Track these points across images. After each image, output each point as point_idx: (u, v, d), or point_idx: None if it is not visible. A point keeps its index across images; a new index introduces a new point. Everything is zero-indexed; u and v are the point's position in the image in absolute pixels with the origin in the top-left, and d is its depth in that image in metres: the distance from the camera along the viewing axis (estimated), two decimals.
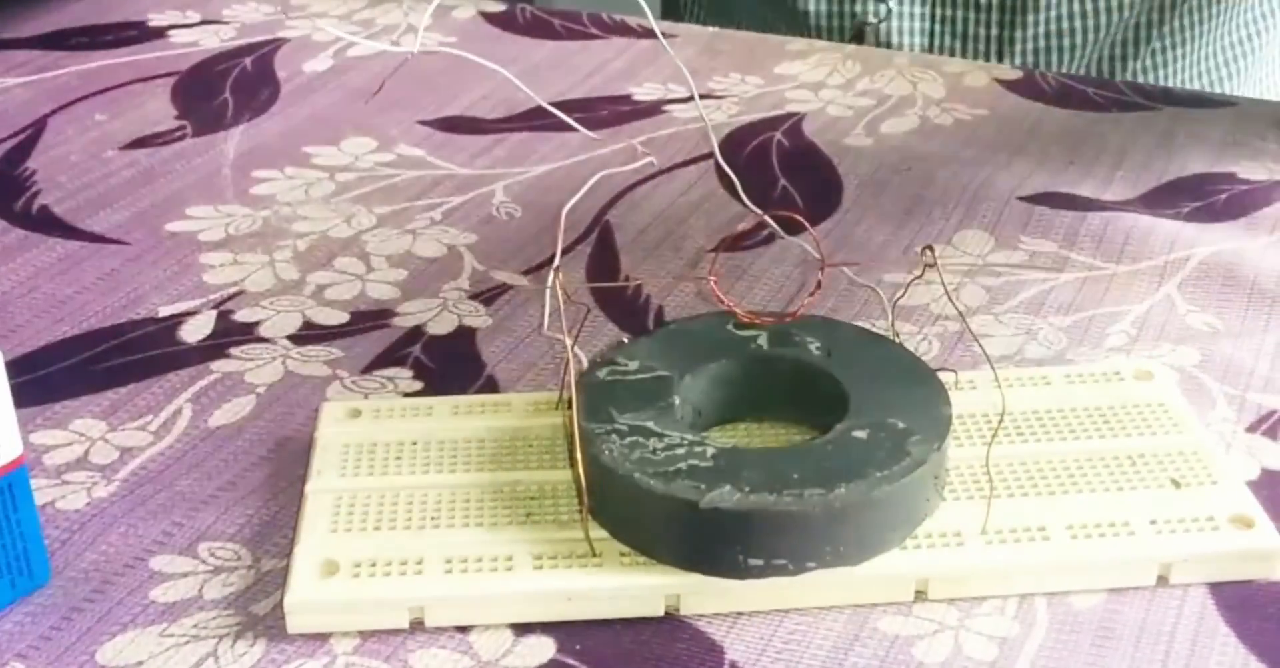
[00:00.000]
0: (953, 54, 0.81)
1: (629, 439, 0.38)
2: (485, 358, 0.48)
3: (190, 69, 0.70)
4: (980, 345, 0.46)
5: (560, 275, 0.41)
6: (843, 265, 0.52)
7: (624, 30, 0.74)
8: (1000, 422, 0.42)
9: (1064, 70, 0.80)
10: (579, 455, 0.38)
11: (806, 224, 0.43)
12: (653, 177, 0.60)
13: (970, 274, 0.52)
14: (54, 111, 0.65)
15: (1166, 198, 0.58)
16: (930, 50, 0.82)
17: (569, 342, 0.40)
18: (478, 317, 0.50)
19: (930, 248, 0.42)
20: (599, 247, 0.55)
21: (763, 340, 0.43)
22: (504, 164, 0.61)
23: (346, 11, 0.76)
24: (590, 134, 0.60)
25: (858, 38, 0.82)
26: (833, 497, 0.37)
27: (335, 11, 0.76)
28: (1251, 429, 0.45)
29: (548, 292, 0.48)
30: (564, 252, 0.54)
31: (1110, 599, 0.38)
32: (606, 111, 0.65)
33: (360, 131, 0.63)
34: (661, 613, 0.38)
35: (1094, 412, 0.43)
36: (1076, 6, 0.80)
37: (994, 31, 0.81)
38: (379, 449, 0.42)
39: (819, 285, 0.43)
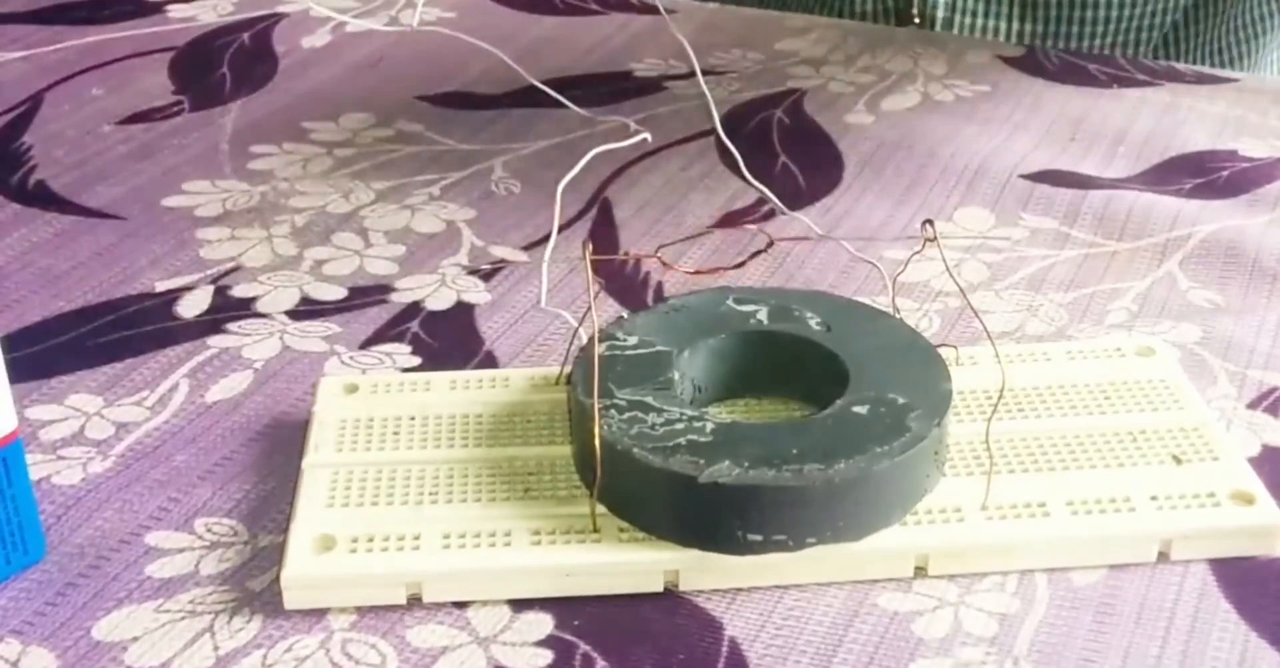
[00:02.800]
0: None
1: (628, 414, 0.38)
2: (483, 333, 0.48)
3: (188, 44, 0.69)
4: (981, 321, 0.46)
5: (590, 248, 0.41)
6: (796, 239, 0.52)
7: (624, 6, 0.74)
8: (1000, 397, 0.42)
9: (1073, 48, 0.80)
10: (595, 431, 0.37)
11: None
12: (653, 152, 0.59)
13: (971, 250, 0.52)
14: (51, 86, 0.65)
15: (1168, 175, 0.58)
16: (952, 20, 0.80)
17: (569, 316, 0.39)
18: (476, 292, 0.50)
19: (930, 222, 0.42)
20: (599, 222, 0.55)
21: (762, 316, 0.42)
22: (503, 140, 0.61)
23: None
24: (582, 112, 0.59)
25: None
26: (832, 472, 0.36)
27: None
28: (1253, 406, 0.44)
29: (544, 267, 0.48)
30: (563, 227, 0.54)
31: (1111, 576, 0.38)
32: (606, 88, 0.65)
33: (359, 107, 0.63)
34: (661, 589, 0.38)
35: (1095, 388, 0.43)
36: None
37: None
38: (376, 425, 0.42)
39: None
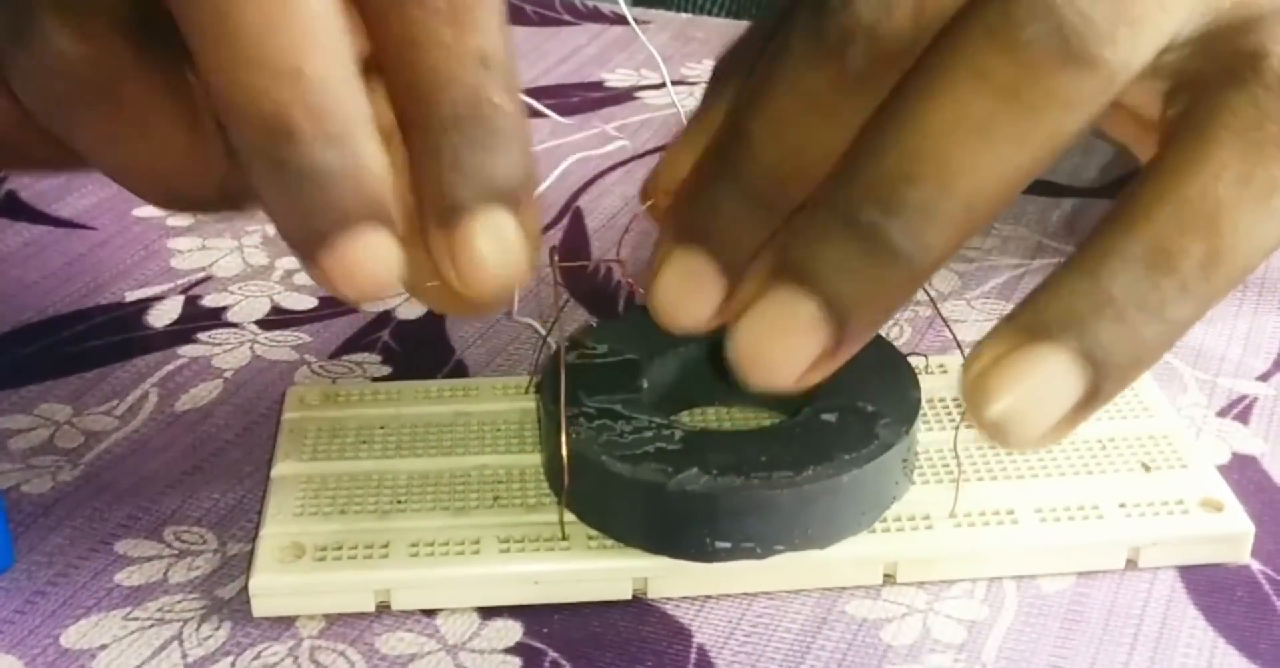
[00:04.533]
0: None
1: (596, 422, 0.38)
2: (454, 343, 0.48)
3: None
4: (951, 330, 0.46)
5: (556, 256, 0.41)
6: None
7: (596, 16, 0.74)
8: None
9: None
10: (563, 438, 0.37)
11: None
12: (625, 162, 0.59)
13: None
14: None
15: None
16: None
17: (539, 326, 0.39)
18: None
19: None
20: (570, 232, 0.55)
21: None
22: None
23: None
24: (561, 119, 0.59)
25: None
26: (801, 479, 0.36)
27: None
28: (1222, 414, 0.45)
29: None
30: None
31: (1079, 583, 0.38)
32: (578, 98, 0.65)
33: None
34: (629, 597, 0.38)
35: None
36: None
37: None
38: (346, 434, 0.41)
39: None
